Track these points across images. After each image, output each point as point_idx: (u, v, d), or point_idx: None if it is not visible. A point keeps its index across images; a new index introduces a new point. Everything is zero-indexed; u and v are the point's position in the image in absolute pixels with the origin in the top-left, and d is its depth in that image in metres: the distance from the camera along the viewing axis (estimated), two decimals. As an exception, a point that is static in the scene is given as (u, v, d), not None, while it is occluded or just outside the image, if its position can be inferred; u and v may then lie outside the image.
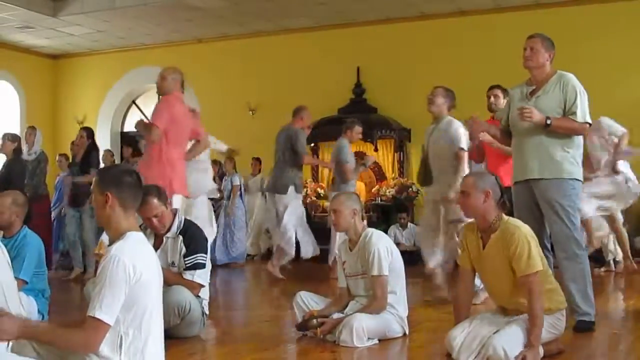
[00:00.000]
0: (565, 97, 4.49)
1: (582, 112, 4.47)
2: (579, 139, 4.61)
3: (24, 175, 7.76)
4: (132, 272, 2.58)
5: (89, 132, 8.29)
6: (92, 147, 8.13)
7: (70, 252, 8.25)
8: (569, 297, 4.46)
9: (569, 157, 4.51)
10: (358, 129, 8.04)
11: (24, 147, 8.14)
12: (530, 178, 4.57)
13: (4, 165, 7.89)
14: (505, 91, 6.15)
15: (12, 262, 4.45)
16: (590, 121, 4.54)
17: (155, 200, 4.42)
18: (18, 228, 4.75)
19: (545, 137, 4.50)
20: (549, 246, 4.64)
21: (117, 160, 12.95)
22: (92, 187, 2.80)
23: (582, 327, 4.43)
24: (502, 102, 6.18)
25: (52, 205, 9.24)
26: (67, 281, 7.84)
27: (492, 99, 6.40)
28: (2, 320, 2.57)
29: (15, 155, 7.82)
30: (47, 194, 8.32)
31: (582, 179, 4.61)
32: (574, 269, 4.47)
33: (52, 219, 9.00)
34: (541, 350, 3.65)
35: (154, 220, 4.43)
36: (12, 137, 7.97)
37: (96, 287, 2.58)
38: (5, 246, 4.53)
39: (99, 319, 2.53)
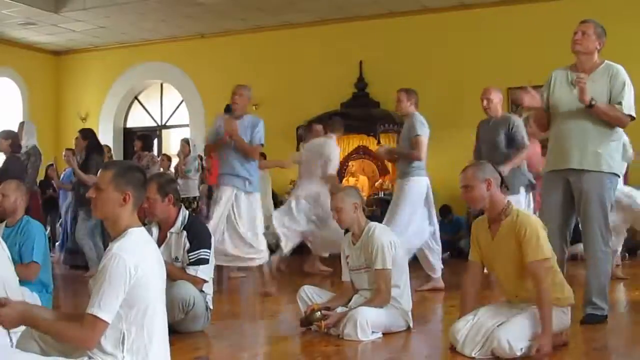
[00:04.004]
0: (611, 88, 4.38)
1: (628, 104, 4.37)
2: (621, 133, 4.51)
3: (23, 172, 7.68)
4: (134, 271, 2.58)
5: (84, 134, 8.17)
6: (92, 150, 8.06)
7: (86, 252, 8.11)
8: (586, 290, 4.47)
9: (610, 150, 4.43)
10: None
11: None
12: (569, 168, 4.46)
13: (3, 163, 7.79)
14: None
15: (21, 247, 4.48)
16: (634, 114, 4.41)
17: (154, 186, 4.44)
18: (21, 215, 4.75)
19: (588, 125, 4.38)
20: (569, 240, 4.62)
21: (120, 156, 12.99)
22: (101, 182, 2.73)
23: (591, 319, 4.42)
24: None
25: (59, 201, 9.26)
26: (79, 278, 7.77)
27: None
28: (3, 311, 2.60)
29: (13, 152, 7.76)
30: (37, 191, 8.22)
31: (620, 174, 4.55)
32: (596, 264, 4.45)
33: (61, 215, 9.00)
34: (545, 343, 3.66)
35: (144, 204, 4.45)
36: (5, 134, 7.82)
37: (96, 285, 2.58)
38: (10, 235, 4.54)
39: (97, 317, 2.54)
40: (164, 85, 13.52)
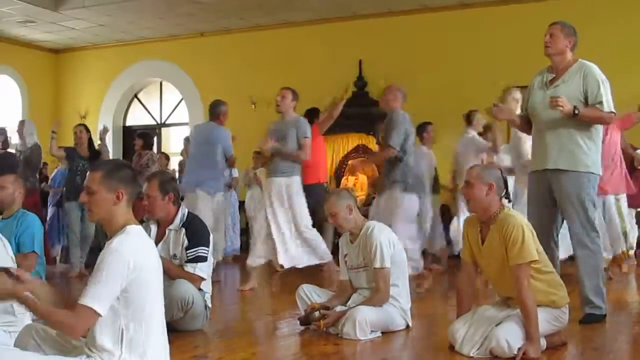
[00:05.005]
0: (586, 87, 4.42)
1: (608, 102, 4.41)
2: (599, 131, 4.54)
3: (17, 169, 7.67)
4: (133, 266, 2.58)
5: (87, 127, 8.20)
6: (92, 144, 8.04)
7: (71, 248, 8.09)
8: (581, 290, 4.47)
9: (586, 149, 4.45)
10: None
11: (18, 141, 8.09)
12: (547, 168, 4.52)
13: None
14: None
15: (19, 238, 4.47)
16: (614, 110, 4.46)
17: (155, 183, 4.45)
18: (17, 208, 4.75)
19: (563, 128, 4.45)
20: (557, 240, 4.63)
21: (119, 154, 12.99)
22: (92, 184, 2.72)
23: (590, 319, 4.43)
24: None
25: (51, 198, 9.23)
26: (70, 277, 7.77)
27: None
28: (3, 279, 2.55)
29: (3, 148, 7.74)
30: (36, 188, 8.21)
31: (599, 172, 4.56)
32: (587, 262, 4.46)
33: (52, 212, 8.98)
34: (544, 342, 3.66)
35: (144, 201, 4.47)
36: None
37: (92, 276, 2.58)
38: (5, 226, 4.53)
39: (89, 307, 2.53)
40: (163, 83, 13.52)
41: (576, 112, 4.34)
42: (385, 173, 6.28)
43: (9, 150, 8.02)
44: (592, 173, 4.50)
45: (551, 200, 4.57)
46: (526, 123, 4.78)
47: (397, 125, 6.13)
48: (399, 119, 6.18)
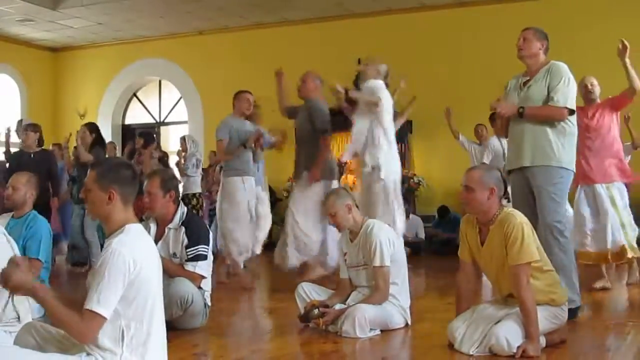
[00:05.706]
0: (549, 84, 4.54)
1: (563, 97, 4.50)
2: (569, 127, 4.60)
3: (55, 167, 7.68)
4: (132, 266, 2.58)
5: (92, 127, 8.04)
6: (96, 143, 8.02)
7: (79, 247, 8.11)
8: None
9: (558, 145, 4.54)
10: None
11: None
12: (523, 166, 4.61)
13: (33, 158, 7.44)
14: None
15: (26, 242, 4.46)
16: (572, 107, 4.55)
17: (157, 180, 4.46)
18: (29, 209, 4.74)
19: (533, 125, 4.56)
20: None
21: (118, 153, 12.97)
22: (88, 182, 2.73)
23: (570, 316, 4.43)
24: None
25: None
26: (79, 275, 7.75)
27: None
28: (16, 276, 2.55)
29: (40, 146, 7.64)
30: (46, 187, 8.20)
31: (572, 168, 4.63)
32: (557, 256, 4.46)
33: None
34: (543, 340, 3.66)
35: (145, 198, 4.48)
36: (34, 128, 7.73)
37: (95, 280, 2.58)
38: (15, 226, 4.52)
39: (95, 312, 2.53)
40: (162, 82, 13.51)
41: (520, 111, 4.52)
42: (305, 161, 6.36)
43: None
44: (566, 169, 4.57)
45: (533, 197, 4.62)
46: (506, 126, 4.87)
47: (323, 113, 6.37)
48: (321, 106, 6.41)
